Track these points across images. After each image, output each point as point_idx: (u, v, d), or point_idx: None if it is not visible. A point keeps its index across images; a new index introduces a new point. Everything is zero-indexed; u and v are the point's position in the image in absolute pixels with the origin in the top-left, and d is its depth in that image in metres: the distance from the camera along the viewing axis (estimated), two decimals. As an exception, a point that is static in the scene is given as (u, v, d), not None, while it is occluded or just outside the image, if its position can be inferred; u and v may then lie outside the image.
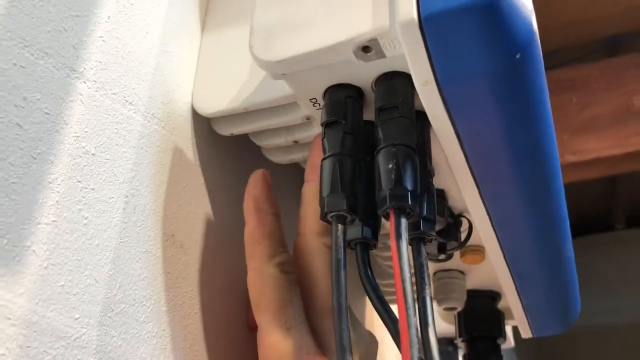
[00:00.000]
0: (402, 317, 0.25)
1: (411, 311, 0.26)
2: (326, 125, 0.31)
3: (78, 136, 0.27)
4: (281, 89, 0.33)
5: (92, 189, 0.27)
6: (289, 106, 0.34)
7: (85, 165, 0.27)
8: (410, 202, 0.27)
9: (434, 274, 0.51)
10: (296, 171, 0.41)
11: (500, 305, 0.53)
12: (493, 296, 0.53)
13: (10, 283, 0.22)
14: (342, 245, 0.28)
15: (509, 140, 0.29)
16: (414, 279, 0.38)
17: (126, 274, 0.28)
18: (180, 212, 0.33)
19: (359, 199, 0.29)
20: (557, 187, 0.35)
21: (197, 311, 0.33)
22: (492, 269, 0.48)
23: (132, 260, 0.29)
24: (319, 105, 0.33)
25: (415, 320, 0.25)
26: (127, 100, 0.30)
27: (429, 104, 0.28)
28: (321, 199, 0.29)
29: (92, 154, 0.27)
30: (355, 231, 0.30)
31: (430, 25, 0.25)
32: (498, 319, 0.52)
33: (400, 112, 0.29)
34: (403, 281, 0.26)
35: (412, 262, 0.30)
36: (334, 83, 0.31)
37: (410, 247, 0.31)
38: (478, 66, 0.26)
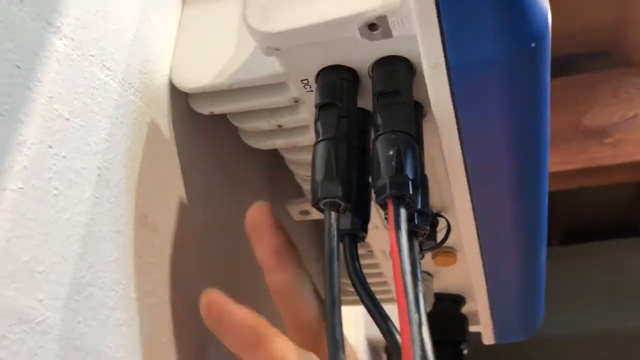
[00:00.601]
0: (403, 314, 0.24)
1: (412, 307, 0.24)
2: (321, 107, 0.29)
3: (52, 97, 0.24)
4: (270, 67, 0.31)
5: (64, 157, 0.24)
6: (277, 86, 0.32)
7: (58, 130, 0.24)
8: (411, 191, 0.26)
9: (402, 275, 0.50)
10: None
11: (465, 309, 0.52)
12: (458, 300, 0.52)
13: (-30, 254, 0.19)
14: (335, 234, 0.26)
15: (510, 133, 0.28)
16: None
17: (96, 255, 0.25)
18: (154, 192, 0.30)
19: (353, 186, 0.28)
20: (545, 189, 0.34)
21: (167, 300, 0.30)
22: (461, 271, 0.47)
23: (103, 239, 0.26)
24: (310, 87, 0.31)
25: (417, 318, 0.24)
26: (104, 65, 0.28)
27: (435, 88, 0.26)
28: (314, 183, 0.28)
29: (66, 119, 0.25)
30: (345, 222, 0.29)
31: (447, 0, 0.23)
32: (462, 323, 0.51)
33: (401, 97, 0.28)
34: (403, 274, 0.24)
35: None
36: (330, 64, 0.30)
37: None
38: (493, 51, 0.24)
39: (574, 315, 1.71)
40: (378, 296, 0.56)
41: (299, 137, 0.35)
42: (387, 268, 0.49)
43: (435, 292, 0.49)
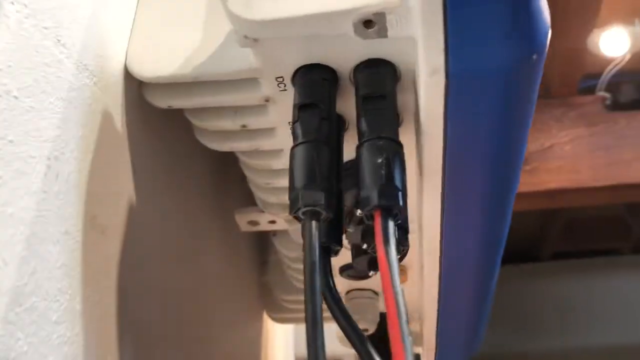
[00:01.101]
0: (396, 334, 0.22)
1: (405, 328, 0.22)
2: (301, 107, 0.27)
3: (0, 69, 0.20)
4: (243, 61, 0.28)
5: (11, 141, 0.20)
6: (247, 82, 0.29)
7: (5, 109, 0.20)
8: (401, 203, 0.24)
9: (347, 292, 0.48)
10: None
11: (407, 330, 0.51)
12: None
13: None
14: (317, 246, 0.24)
15: (495, 147, 0.27)
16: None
17: (41, 259, 0.22)
18: (104, 190, 0.27)
19: (334, 195, 0.25)
20: (510, 211, 0.33)
21: (114, 313, 0.27)
22: (410, 291, 0.46)
23: (50, 241, 0.22)
24: (285, 86, 0.29)
25: (410, 340, 0.22)
26: (59, 40, 0.24)
27: (429, 96, 0.24)
28: (293, 190, 0.25)
29: (15, 97, 0.21)
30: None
31: (455, 1, 0.22)
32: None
33: (387, 103, 0.26)
34: (395, 294, 0.22)
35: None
36: (310, 62, 0.27)
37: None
38: (496, 60, 0.23)
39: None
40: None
41: (263, 141, 0.32)
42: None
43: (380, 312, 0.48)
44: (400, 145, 0.25)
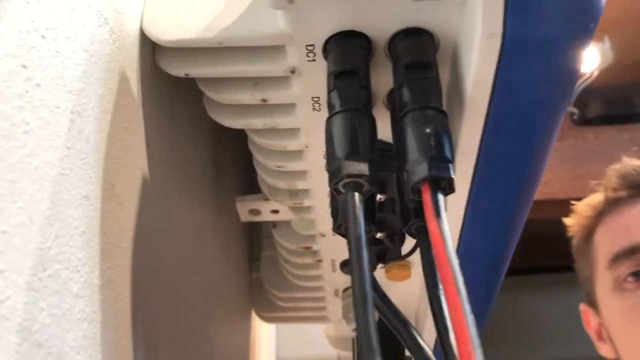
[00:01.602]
0: (459, 316, 0.20)
1: (467, 308, 0.20)
2: (338, 74, 0.25)
3: (28, 2, 0.18)
4: (272, 25, 0.27)
5: (38, 85, 0.18)
6: (273, 51, 0.28)
7: (33, 48, 0.18)
8: (452, 175, 0.22)
9: (345, 289, 0.46)
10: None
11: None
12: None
13: None
14: (362, 220, 0.22)
15: (536, 123, 0.26)
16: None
17: (64, 222, 0.19)
18: (122, 159, 0.24)
19: (377, 168, 0.24)
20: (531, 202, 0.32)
21: (127, 295, 0.24)
22: (411, 289, 0.44)
23: (72, 204, 0.20)
24: (313, 55, 0.27)
25: (473, 319, 0.20)
26: (83, -14, 0.22)
27: (482, 62, 0.23)
28: (334, 160, 0.23)
29: (42, 36, 0.18)
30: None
31: (521, -38, 0.21)
32: (401, 345, 0.48)
33: (432, 72, 0.25)
34: (454, 271, 0.21)
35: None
36: (345, 29, 0.26)
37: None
38: (557, 26, 0.22)
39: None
40: (307, 314, 0.51)
41: (281, 118, 0.31)
42: (330, 281, 0.45)
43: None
44: (446, 116, 0.24)
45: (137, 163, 0.26)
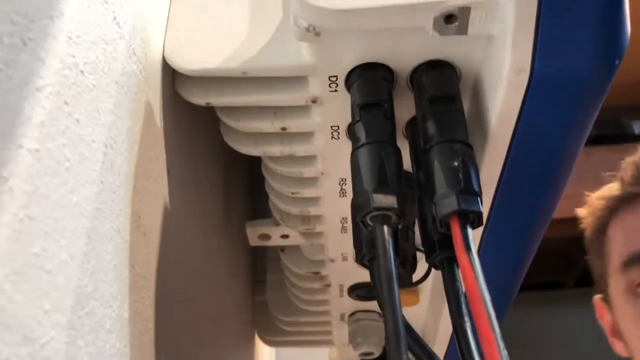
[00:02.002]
0: (494, 352, 0.20)
1: (500, 343, 0.20)
2: (363, 106, 0.25)
3: (70, 38, 0.18)
4: (295, 57, 0.27)
5: (77, 120, 0.18)
6: (296, 81, 0.28)
7: (73, 84, 0.18)
8: (481, 209, 0.23)
9: (352, 314, 0.46)
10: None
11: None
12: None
13: (-20, 233, 0.13)
14: (392, 254, 0.22)
15: (557, 155, 0.26)
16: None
17: (99, 257, 0.19)
18: (146, 189, 0.24)
19: (405, 201, 0.24)
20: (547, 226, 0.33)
21: (152, 327, 0.24)
22: (418, 314, 0.44)
23: (105, 238, 0.20)
24: (336, 86, 0.27)
25: (506, 355, 0.20)
26: (115, 18, 0.22)
27: (510, 96, 0.23)
28: (361, 192, 0.23)
29: (81, 71, 0.18)
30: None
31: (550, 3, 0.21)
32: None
33: (456, 105, 0.25)
34: (485, 305, 0.21)
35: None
36: (369, 60, 0.26)
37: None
38: (584, 62, 0.22)
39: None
40: (311, 338, 0.51)
41: (299, 146, 0.31)
42: (337, 306, 0.45)
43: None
44: (472, 150, 0.24)
45: (160, 192, 0.26)
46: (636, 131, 1.17)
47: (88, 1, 0.19)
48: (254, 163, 0.46)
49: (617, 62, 0.23)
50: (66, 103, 0.17)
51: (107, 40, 0.21)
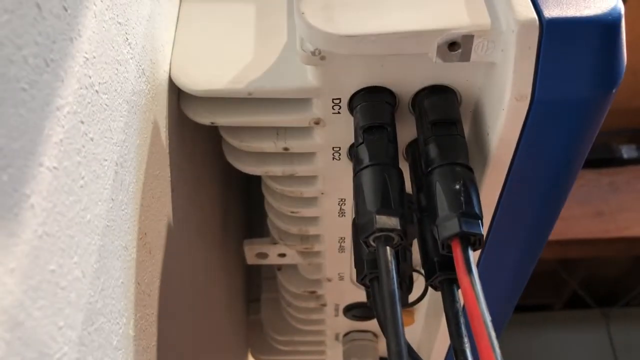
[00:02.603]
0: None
1: (500, 360, 0.21)
2: (367, 129, 0.26)
3: (87, 58, 0.18)
4: (301, 79, 0.27)
5: (91, 139, 0.18)
6: (300, 103, 0.28)
7: (89, 103, 0.18)
8: (482, 232, 0.23)
9: (346, 334, 0.46)
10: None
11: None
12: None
13: (3, 248, 0.13)
14: (395, 274, 0.23)
15: (558, 174, 0.27)
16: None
17: (108, 274, 0.19)
18: (152, 207, 0.24)
19: (407, 222, 0.24)
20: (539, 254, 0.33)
21: (155, 344, 0.24)
22: (413, 331, 0.44)
23: (114, 255, 0.20)
24: (339, 108, 0.28)
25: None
26: (127, 39, 0.22)
27: (510, 122, 0.24)
28: (365, 213, 0.24)
29: (96, 91, 0.19)
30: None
31: (553, 30, 0.22)
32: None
33: (457, 129, 0.26)
34: (487, 326, 0.21)
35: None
36: (372, 84, 0.27)
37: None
38: (583, 90, 0.23)
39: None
40: (305, 357, 0.51)
41: (300, 166, 0.31)
42: (331, 326, 0.45)
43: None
44: (473, 173, 0.25)
45: (164, 210, 0.26)
46: (625, 155, 1.19)
47: (103, 22, 0.20)
48: (249, 182, 0.47)
49: (614, 90, 0.24)
50: (82, 122, 0.17)
51: (120, 60, 0.21)
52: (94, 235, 0.18)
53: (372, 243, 0.24)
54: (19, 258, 0.14)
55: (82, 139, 0.17)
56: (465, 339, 0.24)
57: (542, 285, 1.85)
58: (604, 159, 1.24)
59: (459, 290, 0.26)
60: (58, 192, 0.16)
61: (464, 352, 0.24)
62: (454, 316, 0.25)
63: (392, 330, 0.22)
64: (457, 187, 0.24)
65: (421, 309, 0.42)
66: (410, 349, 0.26)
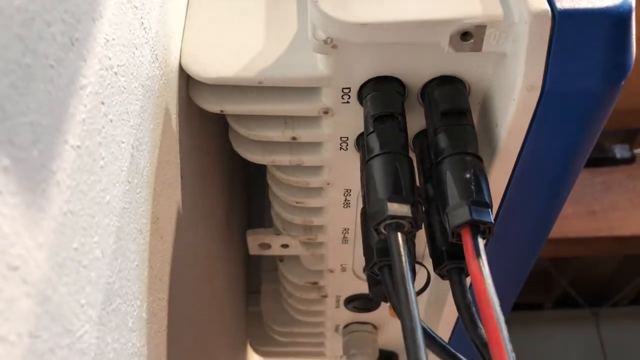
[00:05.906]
0: (502, 354, 0.21)
1: (508, 345, 0.21)
2: (377, 118, 0.26)
3: (107, 40, 0.18)
4: (311, 68, 0.27)
5: (111, 121, 0.18)
6: (309, 92, 0.28)
7: (109, 85, 0.18)
8: (492, 220, 0.23)
9: (346, 325, 0.46)
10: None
11: (397, 370, 0.49)
12: (389, 356, 0.49)
13: (33, 223, 0.13)
14: (407, 260, 0.23)
15: (566, 164, 0.27)
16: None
17: (124, 256, 0.19)
18: (163, 192, 0.25)
19: (418, 210, 0.24)
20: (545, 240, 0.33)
21: (164, 329, 0.24)
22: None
23: (130, 238, 0.20)
24: (348, 97, 0.28)
25: (513, 356, 0.21)
26: (142, 24, 0.22)
27: (521, 112, 0.24)
28: (376, 201, 0.24)
29: (115, 73, 0.19)
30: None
31: (565, 21, 0.22)
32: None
33: (467, 119, 0.26)
34: (494, 308, 0.21)
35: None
36: (382, 74, 0.27)
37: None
38: (593, 81, 0.23)
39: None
40: (304, 349, 0.51)
41: (307, 155, 0.31)
42: (332, 317, 0.45)
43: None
44: (482, 162, 0.25)
45: (174, 196, 0.26)
46: (617, 155, 1.19)
47: (121, 5, 0.20)
48: (251, 171, 0.47)
49: (623, 81, 0.24)
50: (102, 103, 0.18)
51: (136, 44, 0.21)
52: (112, 216, 0.18)
53: (383, 230, 0.24)
54: (46, 234, 0.14)
55: (102, 119, 0.18)
56: (480, 325, 0.24)
57: (533, 284, 1.86)
58: (596, 158, 1.25)
59: (470, 275, 0.26)
60: (81, 170, 0.16)
61: (480, 337, 0.24)
62: (465, 305, 0.25)
63: (406, 310, 0.22)
64: (468, 176, 0.24)
65: (421, 302, 0.42)
66: (425, 329, 0.26)
